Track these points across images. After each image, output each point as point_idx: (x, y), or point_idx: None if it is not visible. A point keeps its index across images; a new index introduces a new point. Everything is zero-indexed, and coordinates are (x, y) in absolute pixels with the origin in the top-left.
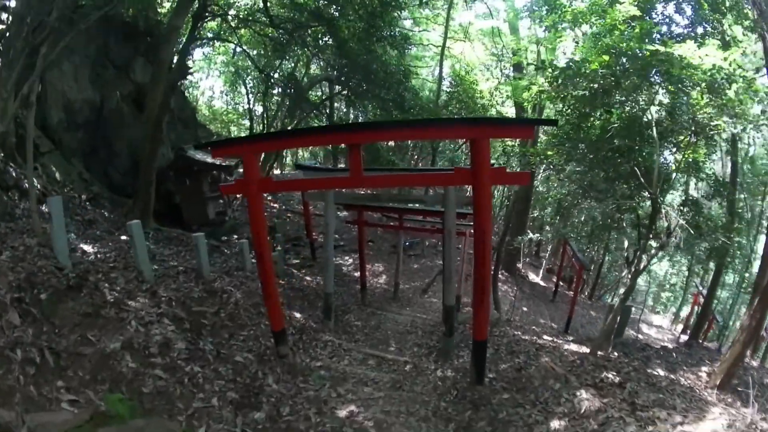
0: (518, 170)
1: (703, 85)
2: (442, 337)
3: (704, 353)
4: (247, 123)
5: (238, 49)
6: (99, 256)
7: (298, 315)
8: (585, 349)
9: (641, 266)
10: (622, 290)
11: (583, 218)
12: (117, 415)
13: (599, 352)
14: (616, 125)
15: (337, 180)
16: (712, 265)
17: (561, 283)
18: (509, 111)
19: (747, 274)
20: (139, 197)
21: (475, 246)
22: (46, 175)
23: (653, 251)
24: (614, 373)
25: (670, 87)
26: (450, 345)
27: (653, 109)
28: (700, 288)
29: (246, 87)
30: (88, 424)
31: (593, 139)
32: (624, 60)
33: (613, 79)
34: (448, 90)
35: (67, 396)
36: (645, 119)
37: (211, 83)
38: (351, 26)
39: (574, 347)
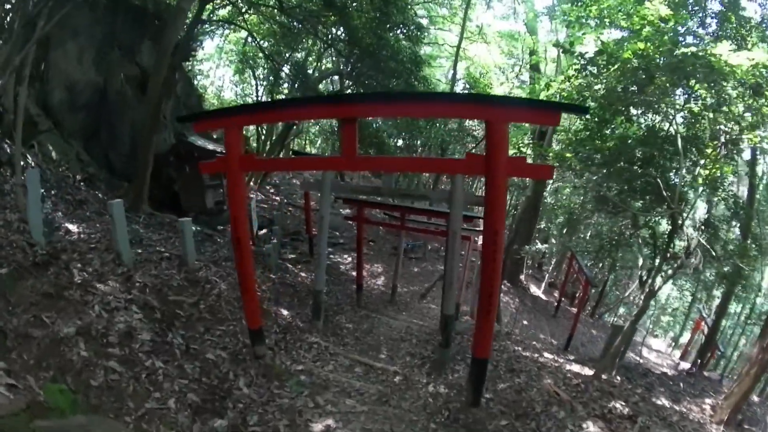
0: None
1: (746, 85)
2: (437, 347)
3: (707, 383)
4: None
5: (249, 39)
6: (82, 236)
7: (285, 312)
8: (587, 371)
9: (656, 287)
10: (621, 310)
11: (590, 233)
12: (57, 407)
13: (603, 376)
14: (635, 135)
15: (327, 161)
16: (716, 292)
17: (563, 299)
18: None
19: (753, 304)
20: (135, 181)
21: (484, 248)
22: (42, 154)
23: (670, 272)
24: (622, 403)
25: (705, 87)
26: (445, 357)
27: (679, 118)
28: (705, 314)
29: (255, 77)
30: (24, 414)
31: (610, 148)
32: (658, 56)
33: (645, 74)
34: (461, 92)
35: (6, 380)
36: (668, 129)
37: (221, 73)
38: (363, 15)
39: (576, 368)
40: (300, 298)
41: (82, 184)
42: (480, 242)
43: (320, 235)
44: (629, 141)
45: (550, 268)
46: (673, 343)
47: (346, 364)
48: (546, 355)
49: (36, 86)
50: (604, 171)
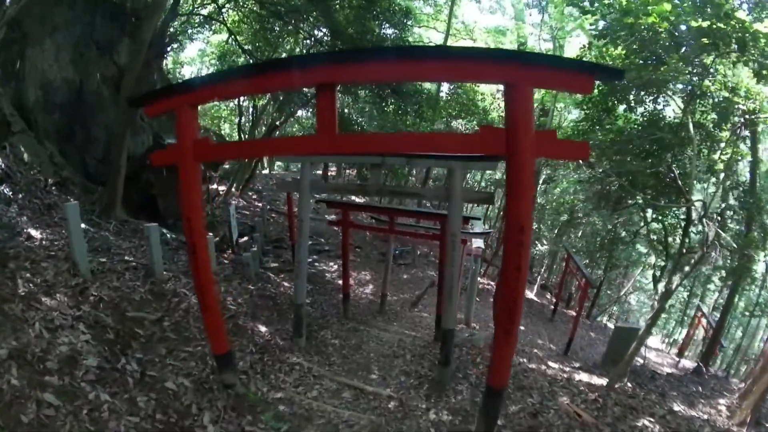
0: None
1: None
2: (435, 364)
3: (714, 382)
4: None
5: (230, 40)
6: (44, 243)
7: (263, 329)
8: (597, 379)
9: (673, 285)
10: (614, 308)
11: (583, 233)
12: None
13: (617, 384)
14: (636, 123)
15: (300, 141)
16: (711, 286)
17: (555, 299)
18: None
19: (758, 296)
20: (107, 184)
21: (506, 251)
22: (14, 155)
23: (687, 268)
24: (649, 420)
25: (735, 53)
26: (446, 376)
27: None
28: (705, 310)
29: None
30: None
31: (613, 138)
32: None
33: (671, 39)
34: (447, 92)
35: None
36: (674, 116)
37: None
38: (345, 8)
39: (584, 377)
40: (281, 311)
41: (53, 188)
42: (474, 245)
43: (300, 240)
44: (632, 129)
45: (542, 269)
46: (666, 340)
47: (333, 388)
48: (551, 364)
49: (11, 85)
50: (606, 164)
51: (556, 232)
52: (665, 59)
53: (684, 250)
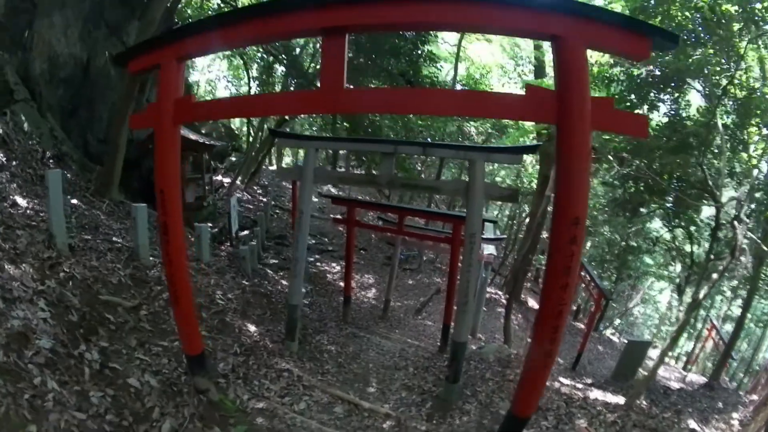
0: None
1: None
2: (439, 378)
3: (726, 396)
4: None
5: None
6: (29, 212)
7: (252, 328)
8: (612, 397)
9: (701, 295)
10: (617, 321)
11: (590, 242)
12: None
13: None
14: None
15: (299, 98)
16: (719, 297)
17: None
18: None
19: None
20: (105, 163)
21: (554, 248)
22: (14, 123)
23: (714, 275)
24: None
25: None
26: (452, 394)
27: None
28: (715, 321)
29: (248, 73)
30: None
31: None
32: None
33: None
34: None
35: None
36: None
37: (217, 68)
38: None
39: (598, 394)
40: (275, 311)
41: (50, 160)
42: (486, 252)
43: (299, 235)
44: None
45: None
46: (670, 353)
47: (324, 401)
48: (563, 380)
49: (18, 54)
50: (634, 164)
51: None
52: (703, 41)
53: (712, 256)
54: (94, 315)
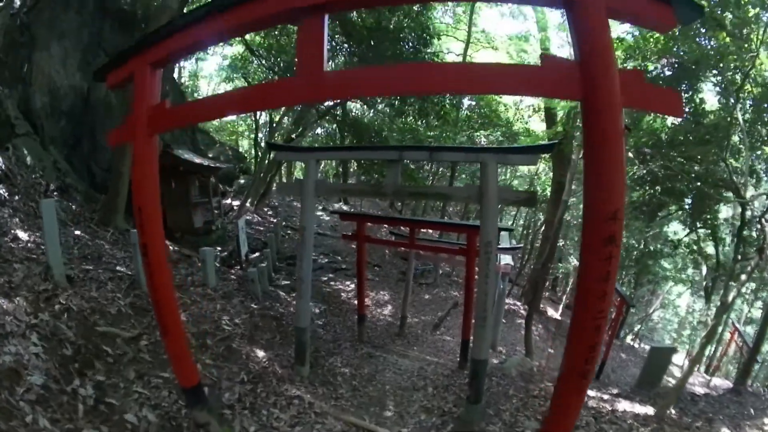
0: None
1: None
2: (460, 398)
3: (754, 400)
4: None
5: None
6: (29, 245)
7: (260, 354)
8: (639, 407)
9: (729, 298)
10: (637, 327)
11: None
12: None
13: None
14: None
15: (275, 87)
16: (740, 300)
17: None
18: (537, 126)
19: None
20: (108, 191)
21: (587, 250)
22: (16, 158)
23: (743, 277)
24: None
25: None
26: (475, 415)
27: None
28: (737, 324)
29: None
30: None
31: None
32: None
33: None
34: (468, 105)
35: None
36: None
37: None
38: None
39: (626, 405)
40: (285, 334)
41: (55, 193)
42: (503, 262)
43: (302, 253)
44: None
45: (568, 288)
46: (691, 356)
47: (337, 429)
48: (589, 392)
49: (18, 88)
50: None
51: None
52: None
53: (739, 257)
54: (89, 348)
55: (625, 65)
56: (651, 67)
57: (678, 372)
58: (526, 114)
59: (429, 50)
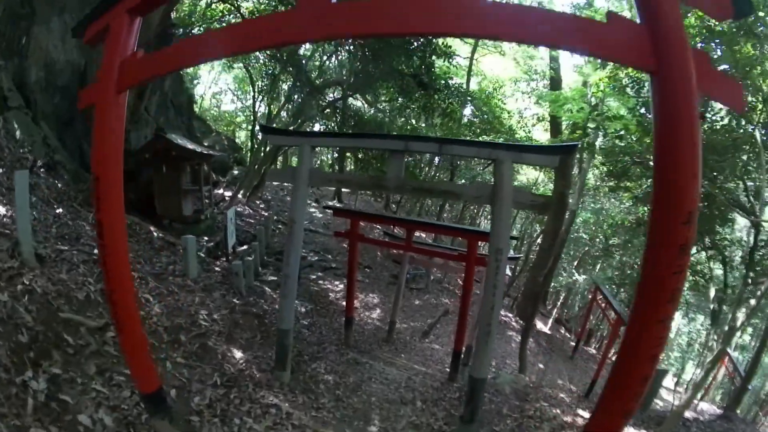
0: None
1: None
2: (454, 418)
3: (743, 426)
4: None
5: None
6: (5, 220)
7: (238, 354)
8: None
9: (737, 322)
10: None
11: (599, 265)
12: None
13: None
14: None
15: (270, 23)
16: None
17: (568, 335)
18: (540, 136)
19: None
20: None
21: (651, 262)
22: (5, 131)
23: (753, 301)
24: None
25: None
26: None
27: None
28: (729, 350)
29: (254, 87)
30: None
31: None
32: None
33: None
34: (472, 109)
35: None
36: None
37: (222, 86)
38: None
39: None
40: (267, 334)
41: (42, 169)
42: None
43: (289, 248)
44: None
45: (559, 302)
46: (676, 380)
47: None
48: (582, 413)
49: (14, 61)
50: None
51: (575, 263)
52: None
53: (750, 279)
54: (48, 336)
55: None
56: None
57: (666, 394)
58: (530, 122)
59: (440, 40)
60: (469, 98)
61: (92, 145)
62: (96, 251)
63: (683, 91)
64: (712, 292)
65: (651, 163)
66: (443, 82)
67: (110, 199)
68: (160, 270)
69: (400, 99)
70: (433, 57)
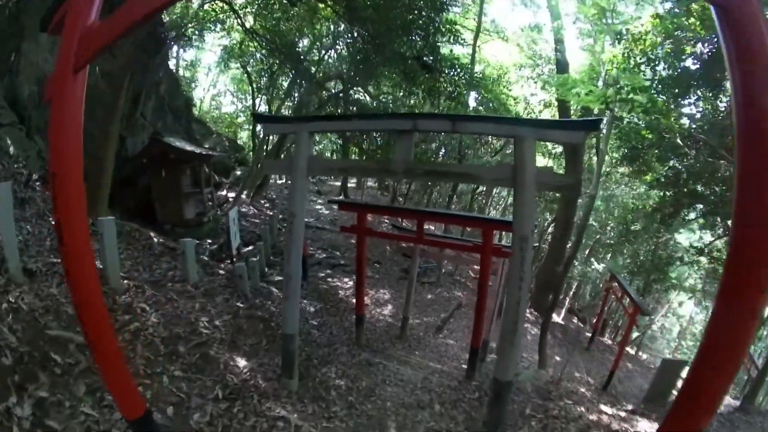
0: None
1: None
2: (474, 421)
3: (761, 419)
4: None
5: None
6: None
7: (242, 363)
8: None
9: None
10: (635, 335)
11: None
12: None
13: None
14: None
15: None
16: None
17: (582, 324)
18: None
19: None
20: (88, 180)
21: (738, 259)
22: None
23: None
24: None
25: None
26: None
27: None
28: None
29: (252, 86)
30: None
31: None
32: None
33: None
34: (477, 97)
35: None
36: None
37: (221, 86)
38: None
39: (645, 426)
40: (273, 338)
41: (37, 183)
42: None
43: (290, 243)
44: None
45: (571, 292)
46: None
47: None
48: (604, 408)
49: (5, 79)
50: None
51: (587, 252)
52: None
53: None
54: (35, 356)
55: (663, 43)
56: (688, 51)
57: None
58: (536, 108)
59: (444, 16)
60: (475, 80)
61: (49, 135)
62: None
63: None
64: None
65: (677, 141)
66: (448, 63)
67: (69, 198)
68: (159, 277)
69: (403, 85)
70: (438, 36)
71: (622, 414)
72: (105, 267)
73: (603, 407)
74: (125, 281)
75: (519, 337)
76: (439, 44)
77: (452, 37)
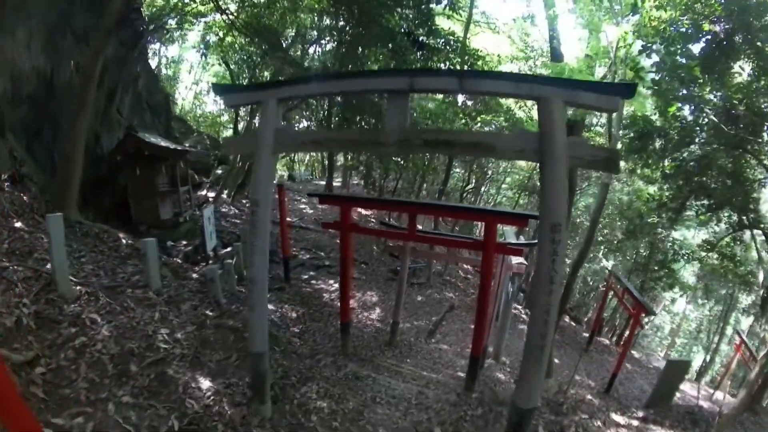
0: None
1: None
2: None
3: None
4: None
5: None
6: None
7: (205, 384)
8: None
9: None
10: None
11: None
12: None
13: None
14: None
15: None
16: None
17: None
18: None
19: None
20: (56, 179)
21: None
22: None
23: None
24: None
25: None
26: None
27: None
28: (743, 336)
29: (233, 78)
30: None
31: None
32: None
33: None
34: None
35: None
36: None
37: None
38: None
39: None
40: (245, 352)
41: (6, 183)
42: (515, 261)
43: (254, 239)
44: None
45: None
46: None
47: None
48: (615, 417)
49: None
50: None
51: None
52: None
53: None
54: None
55: (680, 20)
56: (706, 28)
57: (685, 386)
58: (529, 102)
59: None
60: (470, 54)
61: None
62: (48, 266)
63: None
64: (761, 276)
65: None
66: (442, 39)
67: None
68: (120, 282)
69: (392, 65)
70: (431, 5)
71: (635, 423)
72: (53, 269)
73: (614, 416)
74: (78, 287)
75: (546, 354)
76: (433, 15)
77: (453, 10)
